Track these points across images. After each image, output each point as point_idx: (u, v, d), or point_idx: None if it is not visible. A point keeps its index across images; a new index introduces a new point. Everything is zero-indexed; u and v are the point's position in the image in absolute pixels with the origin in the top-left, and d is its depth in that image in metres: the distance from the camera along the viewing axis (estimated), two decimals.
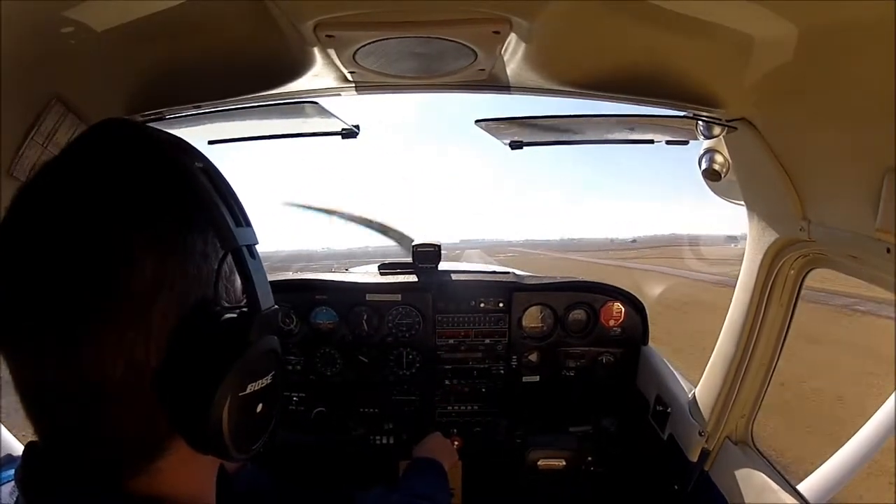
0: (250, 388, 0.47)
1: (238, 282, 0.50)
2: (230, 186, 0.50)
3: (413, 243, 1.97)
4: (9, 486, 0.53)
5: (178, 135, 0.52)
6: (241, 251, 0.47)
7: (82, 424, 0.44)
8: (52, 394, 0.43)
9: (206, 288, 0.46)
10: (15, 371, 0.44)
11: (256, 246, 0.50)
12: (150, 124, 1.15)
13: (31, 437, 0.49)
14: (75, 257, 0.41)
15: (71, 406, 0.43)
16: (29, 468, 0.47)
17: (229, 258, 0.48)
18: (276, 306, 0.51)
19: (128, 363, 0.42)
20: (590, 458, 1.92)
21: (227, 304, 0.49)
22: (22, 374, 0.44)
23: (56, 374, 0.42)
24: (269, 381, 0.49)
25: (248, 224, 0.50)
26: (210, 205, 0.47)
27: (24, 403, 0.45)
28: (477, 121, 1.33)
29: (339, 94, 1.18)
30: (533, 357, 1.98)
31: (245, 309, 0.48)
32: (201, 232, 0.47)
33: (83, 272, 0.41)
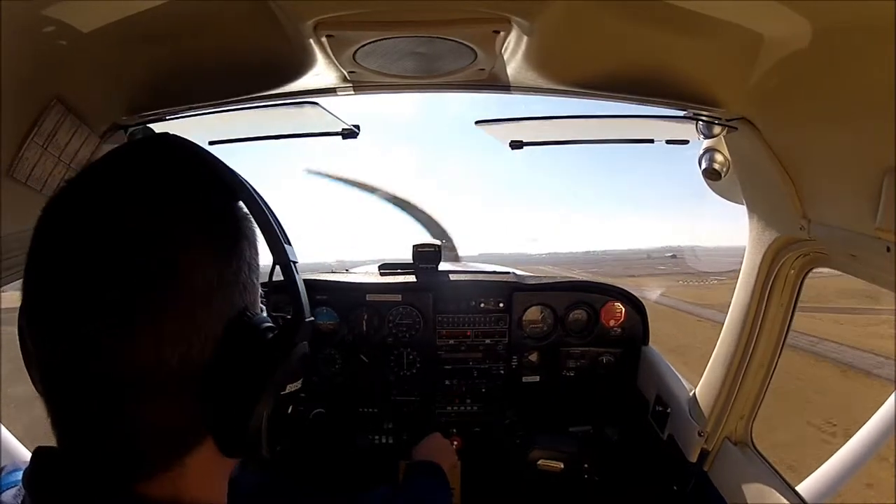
0: (289, 389, 0.51)
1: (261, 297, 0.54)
2: (271, 208, 0.54)
3: (413, 243, 1.97)
4: (12, 491, 0.53)
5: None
6: (291, 265, 0.52)
7: (120, 411, 0.45)
8: (100, 381, 0.44)
9: (248, 293, 0.50)
10: (57, 361, 0.44)
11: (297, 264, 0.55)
12: (151, 125, 1.15)
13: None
14: (146, 250, 0.43)
15: (113, 392, 0.44)
16: (40, 471, 0.47)
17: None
18: (313, 318, 0.56)
19: (179, 355, 0.44)
20: (586, 465, 1.92)
21: (268, 314, 0.53)
22: (66, 363, 0.44)
23: (109, 361, 0.43)
24: (299, 386, 0.53)
25: (290, 242, 0.54)
26: (265, 222, 0.51)
27: (58, 394, 0.46)
28: (477, 121, 1.33)
29: (339, 94, 1.19)
30: (533, 357, 1.98)
31: (288, 317, 0.52)
32: (249, 243, 0.51)
33: (153, 264, 0.43)
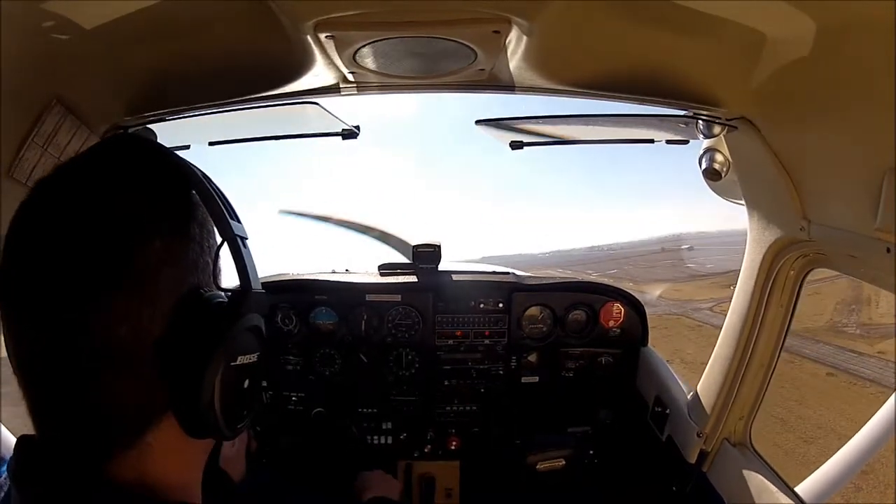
0: (240, 360, 0.52)
1: (221, 275, 0.57)
2: (223, 192, 0.57)
3: (413, 244, 1.97)
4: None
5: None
6: (237, 240, 0.55)
7: (83, 388, 0.46)
8: (60, 357, 0.46)
9: (202, 272, 0.53)
10: (21, 342, 0.47)
11: (248, 240, 0.57)
12: (151, 125, 1.15)
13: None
14: (93, 233, 0.46)
15: (75, 368, 0.46)
16: (21, 459, 0.49)
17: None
18: (263, 290, 0.57)
19: (132, 329, 0.46)
20: (591, 452, 1.92)
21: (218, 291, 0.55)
22: (29, 342, 0.46)
23: (65, 337, 0.45)
24: (254, 360, 0.55)
25: (239, 220, 0.57)
26: (211, 200, 0.54)
27: (26, 374, 0.48)
28: (477, 121, 1.33)
29: (340, 94, 1.18)
30: (532, 358, 1.98)
31: (237, 290, 0.54)
32: (200, 225, 0.54)
33: (100, 244, 0.46)
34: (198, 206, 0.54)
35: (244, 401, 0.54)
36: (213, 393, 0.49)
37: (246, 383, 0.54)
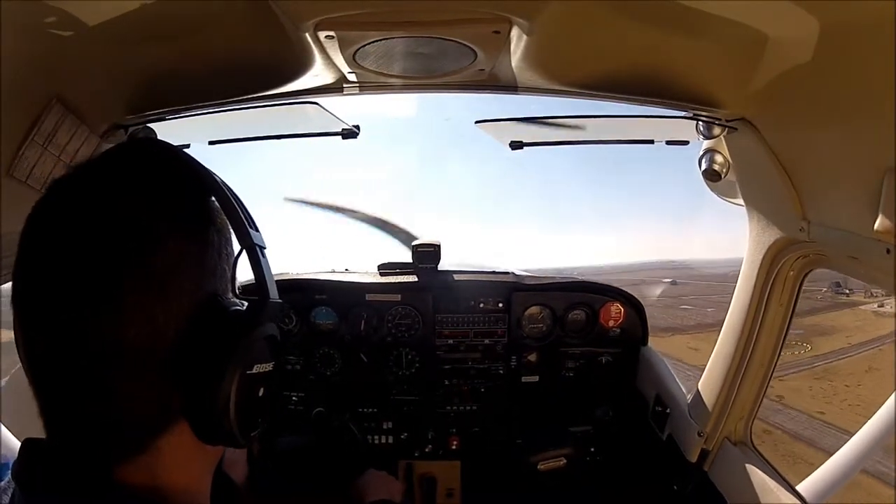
0: (256, 369, 0.52)
1: (236, 284, 0.56)
2: (241, 200, 0.57)
3: (413, 243, 1.97)
4: (1, 485, 0.54)
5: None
6: (256, 248, 0.54)
7: (95, 390, 0.46)
8: (73, 359, 0.45)
9: (219, 279, 0.53)
10: (34, 343, 0.46)
11: (266, 249, 0.57)
12: (151, 124, 1.15)
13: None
14: (109, 234, 0.46)
15: (88, 370, 0.45)
16: (26, 462, 0.49)
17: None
18: (281, 301, 0.57)
19: (147, 332, 0.46)
20: (592, 449, 1.92)
21: (235, 298, 0.55)
22: (42, 344, 0.46)
23: (78, 338, 0.45)
24: (270, 369, 0.54)
25: (258, 229, 0.57)
26: (231, 208, 0.54)
27: (39, 376, 0.47)
28: (477, 121, 1.33)
29: (340, 94, 1.18)
30: (532, 357, 1.98)
31: (255, 298, 0.55)
32: (218, 231, 0.54)
33: (115, 246, 0.46)
34: (217, 213, 0.54)
35: (258, 409, 0.54)
36: (228, 401, 0.48)
37: (261, 392, 0.54)
